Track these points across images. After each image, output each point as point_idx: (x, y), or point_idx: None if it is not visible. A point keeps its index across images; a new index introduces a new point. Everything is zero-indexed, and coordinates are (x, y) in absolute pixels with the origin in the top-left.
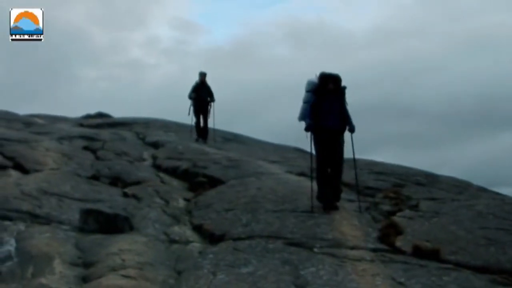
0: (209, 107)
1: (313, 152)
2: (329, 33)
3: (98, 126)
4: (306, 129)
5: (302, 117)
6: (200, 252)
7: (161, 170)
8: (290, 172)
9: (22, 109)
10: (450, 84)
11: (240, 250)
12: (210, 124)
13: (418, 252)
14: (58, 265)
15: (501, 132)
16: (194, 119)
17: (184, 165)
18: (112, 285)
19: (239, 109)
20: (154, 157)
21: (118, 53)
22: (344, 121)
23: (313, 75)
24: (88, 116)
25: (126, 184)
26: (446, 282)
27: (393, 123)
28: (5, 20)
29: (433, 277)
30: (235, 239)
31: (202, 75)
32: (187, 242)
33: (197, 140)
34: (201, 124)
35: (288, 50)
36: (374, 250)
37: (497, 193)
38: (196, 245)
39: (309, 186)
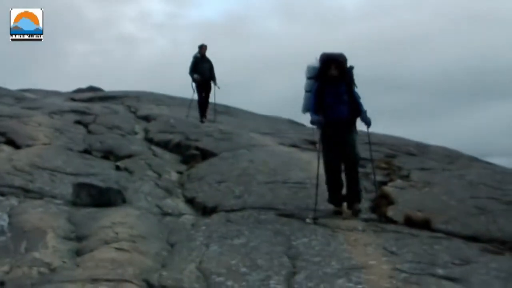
0: (211, 83)
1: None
2: (321, 6)
3: (89, 100)
4: (316, 125)
5: (305, 109)
6: (192, 224)
7: (153, 143)
8: (282, 144)
9: (13, 84)
10: (442, 56)
11: (233, 221)
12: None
13: (410, 222)
14: (51, 239)
15: (492, 102)
16: (196, 97)
17: (176, 138)
18: (105, 258)
19: (231, 83)
20: (146, 131)
21: (110, 27)
22: (354, 110)
23: (313, 59)
24: (80, 90)
25: (118, 158)
26: (437, 251)
27: (384, 95)
28: (5, 20)
29: (424, 246)
30: (227, 211)
31: (203, 48)
32: (180, 214)
33: (202, 122)
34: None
35: (279, 23)
36: (366, 220)
37: (488, 163)
38: (189, 217)
39: (300, 157)
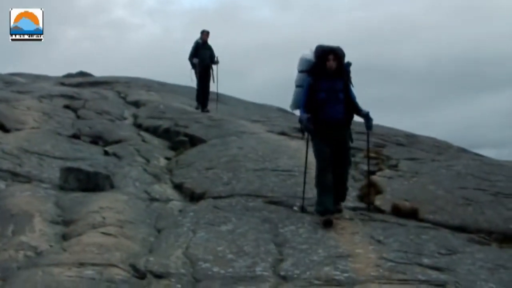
0: (211, 70)
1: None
2: None
3: (79, 85)
4: (304, 126)
5: (295, 105)
6: (180, 210)
7: (142, 129)
8: (271, 132)
9: (3, 68)
10: (432, 47)
11: (220, 208)
12: (214, 89)
13: (397, 211)
14: (38, 223)
15: (482, 94)
16: (196, 84)
17: (165, 124)
18: (92, 243)
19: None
20: (135, 116)
21: (102, 13)
22: (350, 111)
23: (308, 50)
24: (70, 75)
25: (107, 143)
26: (424, 240)
27: (374, 85)
28: (5, 20)
29: (411, 235)
30: (215, 198)
31: (205, 34)
32: (168, 200)
33: (197, 108)
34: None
35: (272, 11)
36: (353, 209)
37: (477, 154)
38: (177, 203)
39: (289, 145)
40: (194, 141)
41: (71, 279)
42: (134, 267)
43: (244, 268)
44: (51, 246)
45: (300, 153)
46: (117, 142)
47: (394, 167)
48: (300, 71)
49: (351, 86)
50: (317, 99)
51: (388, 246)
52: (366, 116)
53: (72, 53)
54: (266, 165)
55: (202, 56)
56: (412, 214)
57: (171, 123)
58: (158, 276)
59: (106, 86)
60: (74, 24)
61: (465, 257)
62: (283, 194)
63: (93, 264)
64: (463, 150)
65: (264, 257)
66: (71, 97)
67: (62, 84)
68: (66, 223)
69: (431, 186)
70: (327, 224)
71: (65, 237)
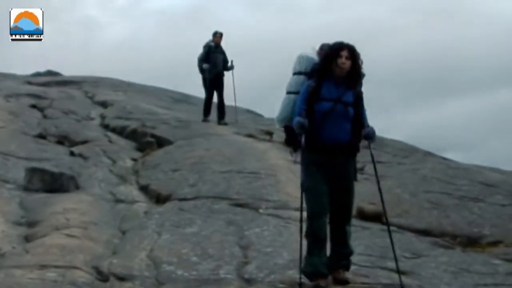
0: (224, 77)
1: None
2: None
3: (46, 84)
4: (298, 129)
5: (284, 119)
6: (145, 212)
7: (109, 129)
8: (238, 134)
9: None
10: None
11: (186, 210)
12: (231, 100)
13: (362, 215)
14: (1, 224)
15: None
16: (204, 94)
17: (132, 124)
18: (55, 244)
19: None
20: (103, 116)
21: (72, 10)
22: (358, 133)
23: (310, 47)
24: (38, 74)
25: (73, 143)
26: (388, 243)
27: None
28: (5, 20)
29: (376, 239)
30: (181, 199)
31: (218, 36)
32: (133, 201)
33: (204, 121)
34: (217, 100)
35: (243, 12)
36: None
37: (443, 158)
38: (142, 205)
39: (256, 147)
40: (161, 142)
41: (33, 281)
42: (97, 270)
43: (208, 271)
44: (13, 247)
45: (266, 156)
46: (84, 142)
47: (360, 170)
48: (298, 73)
49: (364, 109)
50: (317, 111)
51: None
52: (371, 132)
53: (42, 50)
54: (232, 167)
55: (215, 61)
56: (376, 218)
57: (138, 124)
58: (121, 278)
59: (73, 86)
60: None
61: (429, 260)
62: (248, 196)
63: (56, 266)
64: (429, 154)
65: (229, 260)
66: (38, 97)
67: (30, 83)
68: (30, 224)
69: (396, 190)
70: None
71: (28, 239)
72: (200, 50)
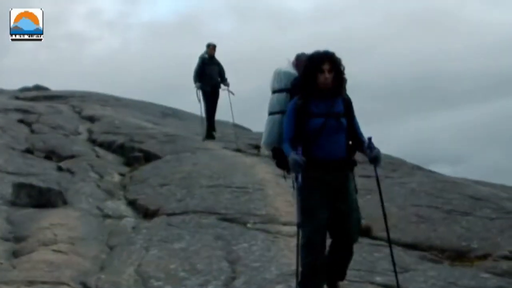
0: (219, 90)
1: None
2: (272, 8)
3: (34, 99)
4: (296, 165)
5: (271, 142)
6: (133, 227)
7: (96, 144)
8: (226, 148)
9: None
10: (388, 63)
11: (174, 225)
12: (226, 117)
13: None
14: None
15: (438, 111)
16: (203, 109)
17: (120, 139)
18: (43, 260)
19: (180, 84)
20: (90, 131)
21: (59, 25)
22: (353, 145)
23: (285, 61)
24: (25, 89)
25: (61, 158)
26: (377, 258)
27: None
28: (5, 20)
29: (364, 253)
30: (169, 214)
31: (211, 47)
32: (121, 217)
33: (208, 137)
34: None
35: (231, 25)
36: None
37: (431, 171)
38: (130, 220)
39: (244, 162)
40: (148, 157)
41: None
42: (84, 285)
43: (196, 286)
44: (1, 263)
45: (254, 170)
46: (71, 157)
47: None
48: (278, 91)
49: (354, 116)
50: (308, 129)
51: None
52: (369, 143)
53: (29, 65)
54: (220, 182)
55: (210, 74)
56: (365, 232)
57: (126, 139)
58: None
59: (61, 100)
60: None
61: (418, 274)
62: (236, 211)
63: (43, 282)
64: (417, 167)
65: (217, 275)
66: (25, 111)
67: (17, 98)
68: (17, 239)
69: (384, 204)
70: None
71: (15, 254)
72: (188, 63)
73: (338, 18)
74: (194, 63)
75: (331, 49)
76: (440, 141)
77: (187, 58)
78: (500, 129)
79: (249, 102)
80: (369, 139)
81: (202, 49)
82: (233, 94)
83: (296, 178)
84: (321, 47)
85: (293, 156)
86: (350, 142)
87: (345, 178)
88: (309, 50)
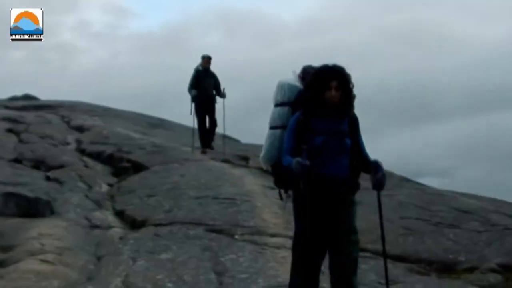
0: (216, 103)
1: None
2: (261, 21)
3: (23, 108)
4: (298, 172)
5: (271, 157)
6: (121, 238)
7: (85, 154)
8: (214, 159)
9: None
10: (376, 77)
11: (161, 236)
12: (220, 129)
13: None
14: None
15: (427, 124)
16: (196, 122)
17: (108, 149)
18: (30, 270)
19: (169, 95)
20: (79, 141)
21: (48, 36)
22: (357, 166)
23: (289, 72)
24: (14, 98)
25: (49, 168)
26: (364, 270)
27: None
28: (5, 20)
29: None
30: (156, 225)
31: (205, 59)
32: (109, 227)
33: (204, 153)
34: (207, 125)
35: (220, 37)
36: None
37: (419, 184)
38: (117, 230)
39: (232, 173)
40: (137, 167)
41: None
42: None
43: None
44: None
45: (242, 181)
46: (60, 167)
47: None
48: (280, 104)
49: (360, 135)
50: (309, 147)
51: (328, 276)
52: (375, 166)
53: (18, 75)
54: (208, 193)
55: (204, 86)
56: None
57: (115, 149)
58: None
59: (50, 110)
60: (19, 45)
61: (405, 287)
62: (224, 222)
63: None
64: (405, 180)
65: (204, 286)
66: (14, 121)
67: (6, 107)
68: (4, 249)
69: (372, 216)
70: None
71: (2, 264)
72: (176, 75)
73: (328, 31)
74: (182, 75)
75: (319, 63)
76: (428, 154)
77: (175, 70)
78: (487, 143)
79: (236, 114)
80: (376, 161)
81: (190, 61)
82: (225, 96)
83: (302, 180)
84: (309, 61)
85: (297, 159)
86: (355, 162)
87: (345, 200)
88: (297, 64)
